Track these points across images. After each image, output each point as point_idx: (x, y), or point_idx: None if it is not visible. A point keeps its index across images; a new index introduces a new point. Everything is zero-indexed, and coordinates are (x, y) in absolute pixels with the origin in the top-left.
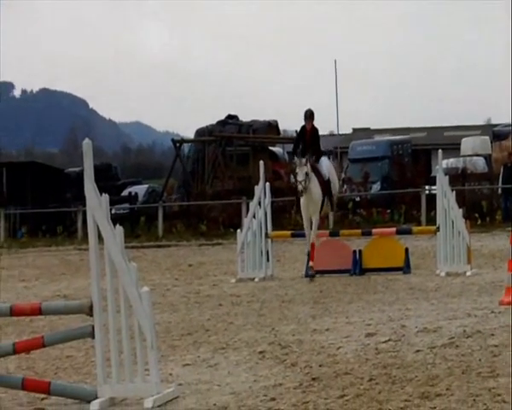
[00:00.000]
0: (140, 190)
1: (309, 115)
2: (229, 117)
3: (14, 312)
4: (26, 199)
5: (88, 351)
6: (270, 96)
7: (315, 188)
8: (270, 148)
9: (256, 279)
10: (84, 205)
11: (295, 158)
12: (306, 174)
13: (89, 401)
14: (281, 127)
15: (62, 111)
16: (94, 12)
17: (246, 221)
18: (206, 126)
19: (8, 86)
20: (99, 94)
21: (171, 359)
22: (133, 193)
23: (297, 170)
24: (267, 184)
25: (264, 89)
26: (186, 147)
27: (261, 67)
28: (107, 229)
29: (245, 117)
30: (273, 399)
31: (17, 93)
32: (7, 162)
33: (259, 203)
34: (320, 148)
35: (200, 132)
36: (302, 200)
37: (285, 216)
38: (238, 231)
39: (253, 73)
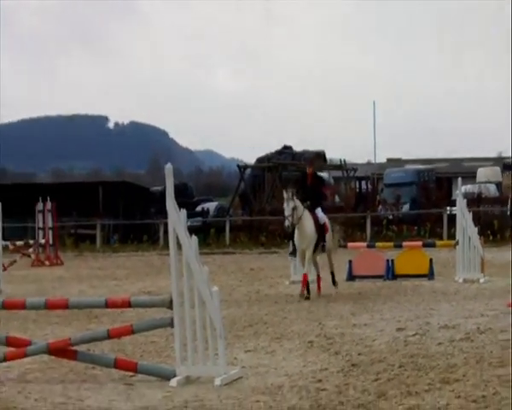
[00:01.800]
0: (211, 206)
1: (309, 162)
2: (285, 147)
3: (108, 304)
4: (117, 212)
5: (168, 338)
6: (319, 129)
7: (308, 221)
8: (318, 173)
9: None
10: (166, 218)
11: (283, 193)
12: (293, 209)
13: (169, 379)
14: (327, 156)
15: (147, 140)
16: (174, 55)
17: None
18: (266, 155)
19: (104, 120)
20: (178, 126)
21: (236, 346)
22: (205, 209)
23: (284, 205)
24: None
25: (314, 123)
26: (249, 171)
27: (312, 105)
28: (184, 238)
29: (298, 147)
30: (319, 380)
31: (111, 125)
32: (102, 181)
33: None
34: (319, 197)
35: (260, 160)
36: (296, 234)
37: None
38: (291, 241)
39: (305, 110)
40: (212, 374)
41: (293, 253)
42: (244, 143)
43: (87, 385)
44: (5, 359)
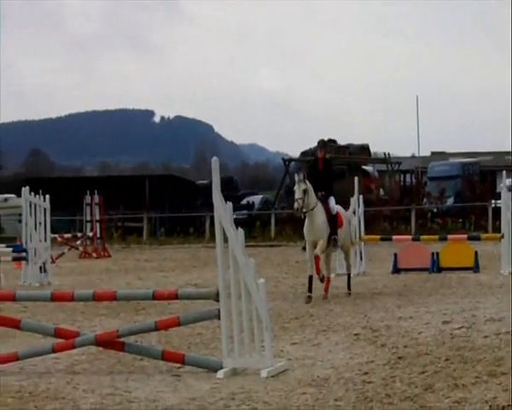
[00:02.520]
0: (256, 199)
1: (321, 145)
2: (330, 141)
3: (155, 296)
4: (164, 205)
5: (214, 330)
6: (364, 123)
7: (319, 211)
8: (363, 166)
9: (351, 275)
10: (212, 211)
11: (295, 176)
12: (304, 192)
13: (215, 371)
14: (371, 149)
15: (193, 134)
16: (219, 53)
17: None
18: (310, 148)
19: (150, 114)
20: (223, 120)
21: (282, 338)
22: (250, 202)
23: (295, 187)
24: (360, 196)
25: (359, 117)
26: (294, 164)
27: (356, 99)
28: (230, 231)
29: (342, 141)
30: (366, 373)
31: (157, 119)
32: (149, 175)
33: (354, 212)
34: (331, 183)
35: (304, 153)
36: (305, 223)
37: (375, 223)
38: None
39: (349, 104)
40: (259, 366)
41: (305, 248)
42: (289, 137)
43: (135, 376)
44: (54, 350)
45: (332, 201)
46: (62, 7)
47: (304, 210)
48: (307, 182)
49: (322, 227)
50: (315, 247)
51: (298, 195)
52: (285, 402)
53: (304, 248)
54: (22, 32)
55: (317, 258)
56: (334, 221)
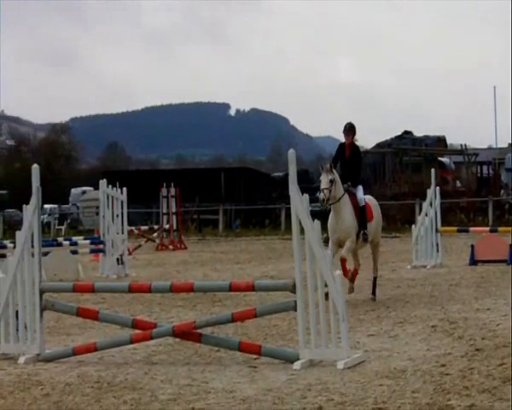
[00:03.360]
0: None
1: (348, 129)
2: (406, 132)
3: (232, 288)
4: (239, 197)
5: (291, 321)
6: (441, 114)
7: (346, 206)
8: (439, 158)
9: (428, 266)
10: (287, 203)
11: (320, 166)
12: (331, 182)
13: (292, 362)
14: (448, 141)
15: (268, 126)
16: (295, 44)
17: (419, 218)
18: (386, 140)
19: (226, 107)
20: (298, 113)
21: (358, 330)
22: None
23: (321, 177)
24: (437, 188)
25: (436, 108)
26: (369, 157)
27: (433, 90)
28: (307, 223)
29: (419, 133)
30: (443, 365)
31: (232, 112)
32: (224, 168)
33: (431, 204)
34: (359, 171)
35: (380, 145)
36: (330, 218)
37: (452, 215)
38: (413, 226)
39: (426, 95)
40: (335, 358)
41: (327, 241)
42: (364, 129)
43: (211, 367)
44: (132, 341)
45: (360, 191)
46: (139, 1)
47: (330, 202)
48: (335, 172)
49: (349, 225)
50: (340, 245)
51: (324, 184)
52: (362, 394)
53: (326, 242)
54: (101, 27)
55: (343, 261)
56: (362, 214)
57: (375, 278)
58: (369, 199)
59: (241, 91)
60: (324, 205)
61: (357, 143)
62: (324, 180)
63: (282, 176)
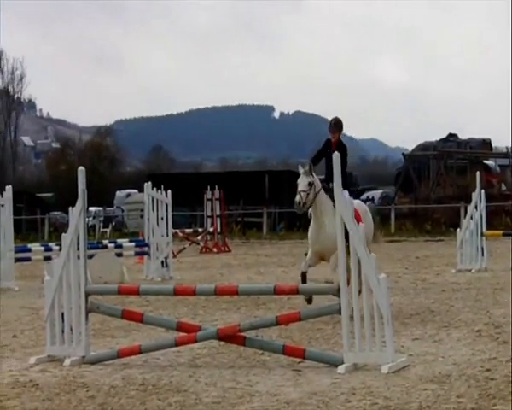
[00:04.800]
0: (375, 194)
1: (334, 125)
2: (450, 135)
3: (276, 291)
4: (283, 200)
5: (335, 325)
6: (486, 117)
7: (329, 211)
8: (484, 161)
9: (472, 270)
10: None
11: (299, 167)
12: (310, 185)
13: (336, 366)
14: (493, 144)
15: (312, 129)
16: (342, 50)
17: (464, 222)
18: (431, 142)
19: (270, 109)
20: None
21: (403, 334)
22: (370, 197)
23: (298, 180)
24: (482, 191)
25: (481, 111)
26: (413, 160)
27: (477, 94)
28: (352, 225)
29: (464, 135)
30: (488, 370)
31: (276, 115)
32: (268, 170)
33: (476, 207)
34: (344, 172)
35: (425, 148)
36: (311, 226)
37: (497, 218)
38: (458, 230)
39: (470, 99)
40: (380, 361)
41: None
42: (409, 132)
43: (256, 371)
44: (176, 344)
45: (346, 195)
46: (182, 1)
47: (307, 205)
48: (314, 175)
49: (334, 236)
50: (321, 258)
51: (301, 187)
52: (406, 398)
53: (306, 254)
54: (144, 28)
55: (302, 274)
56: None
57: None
58: (358, 204)
59: (285, 94)
60: (300, 208)
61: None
62: (302, 182)
63: (325, 179)
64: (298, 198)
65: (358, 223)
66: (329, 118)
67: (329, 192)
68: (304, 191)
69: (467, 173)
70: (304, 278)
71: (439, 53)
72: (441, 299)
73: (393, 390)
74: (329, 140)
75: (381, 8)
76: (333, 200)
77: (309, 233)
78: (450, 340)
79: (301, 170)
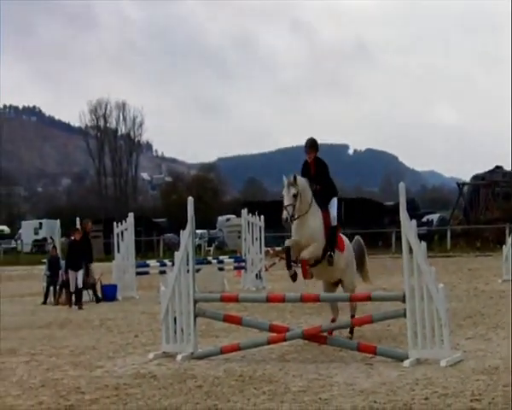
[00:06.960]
0: (434, 217)
1: (309, 146)
2: (497, 167)
3: (351, 298)
4: (357, 223)
5: (401, 326)
6: None
7: (314, 214)
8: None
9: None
10: (398, 227)
11: (283, 178)
12: (294, 196)
13: (402, 361)
14: None
15: (381, 163)
16: (404, 95)
17: (509, 240)
18: (481, 174)
19: (345, 147)
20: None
21: (458, 334)
22: (429, 220)
23: (283, 191)
24: None
25: None
26: (466, 188)
27: None
28: (415, 243)
29: (508, 167)
30: None
31: (351, 152)
32: (344, 198)
33: None
34: (330, 185)
35: (476, 178)
36: (293, 227)
37: None
38: (503, 246)
39: None
40: (438, 357)
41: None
42: (463, 164)
43: (335, 364)
44: (269, 342)
45: (333, 208)
46: (275, 56)
47: (295, 216)
48: (299, 184)
49: (316, 230)
50: (298, 245)
51: (286, 201)
52: (461, 387)
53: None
54: (242, 79)
55: (303, 262)
56: (332, 234)
57: (352, 316)
58: (343, 237)
59: (359, 134)
60: (288, 223)
61: (322, 158)
62: (287, 196)
63: (392, 205)
64: (285, 214)
65: (341, 248)
66: (395, 153)
67: (317, 198)
68: (290, 205)
69: (511, 199)
70: (288, 252)
71: (487, 98)
72: (490, 304)
73: (450, 381)
74: (306, 161)
75: (438, 61)
76: (319, 205)
77: (292, 232)
78: (498, 338)
79: (285, 181)
